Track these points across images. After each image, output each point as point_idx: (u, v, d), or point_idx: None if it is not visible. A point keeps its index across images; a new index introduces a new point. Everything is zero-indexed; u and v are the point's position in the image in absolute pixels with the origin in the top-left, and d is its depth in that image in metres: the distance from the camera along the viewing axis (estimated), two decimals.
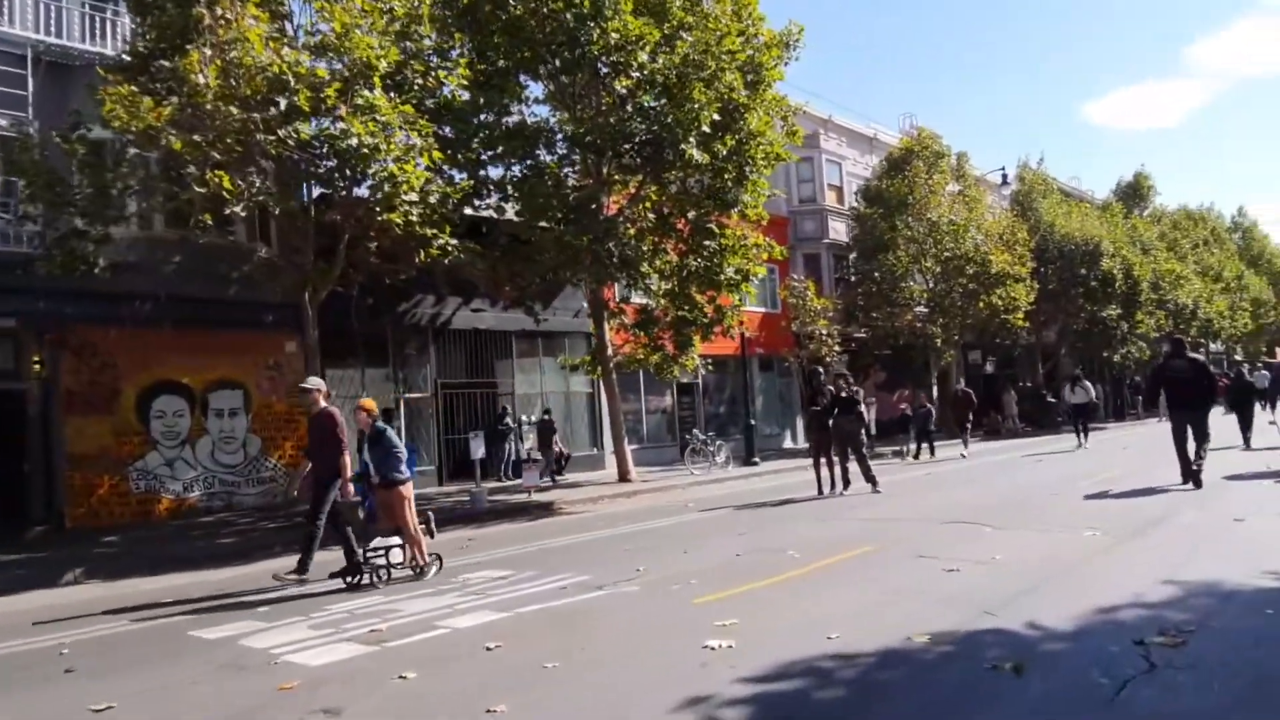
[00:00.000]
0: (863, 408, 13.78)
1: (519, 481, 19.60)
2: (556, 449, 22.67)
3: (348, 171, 12.20)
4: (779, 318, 28.93)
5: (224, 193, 10.91)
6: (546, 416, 22.02)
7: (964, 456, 21.10)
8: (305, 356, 14.77)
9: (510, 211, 16.09)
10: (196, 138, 11.18)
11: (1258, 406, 22.04)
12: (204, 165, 11.19)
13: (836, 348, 25.89)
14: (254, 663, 5.55)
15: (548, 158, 16.87)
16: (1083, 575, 6.59)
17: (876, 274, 29.30)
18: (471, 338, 21.70)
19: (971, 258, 29.52)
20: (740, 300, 19.64)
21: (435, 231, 13.06)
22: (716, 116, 16.11)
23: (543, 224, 16.66)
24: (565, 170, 17.26)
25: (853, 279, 31.17)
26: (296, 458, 17.81)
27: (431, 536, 8.67)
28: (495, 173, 16.71)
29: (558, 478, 21.98)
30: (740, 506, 13.33)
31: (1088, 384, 23.00)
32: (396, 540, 8.43)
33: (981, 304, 30.10)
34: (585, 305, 20.87)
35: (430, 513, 9.11)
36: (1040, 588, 6.20)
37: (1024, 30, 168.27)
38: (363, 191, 13.04)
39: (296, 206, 13.10)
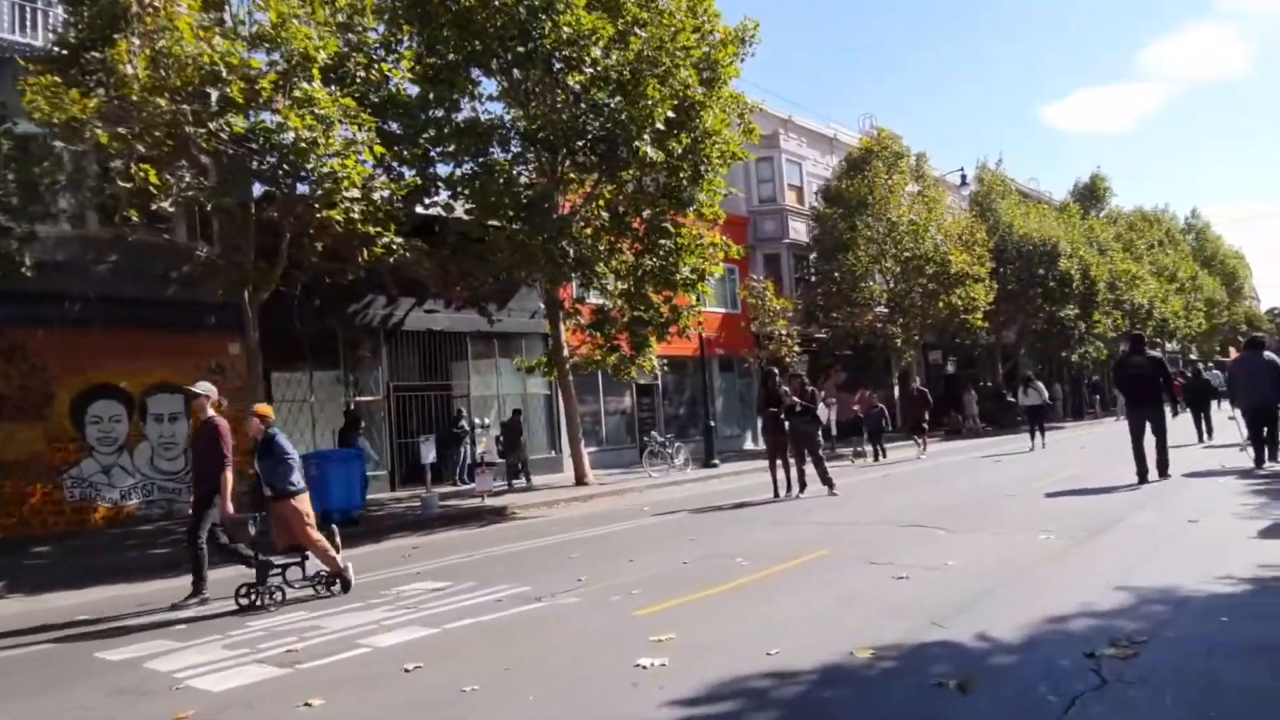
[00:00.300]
0: (820, 409, 13.54)
1: (473, 486, 19.21)
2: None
3: (286, 167, 11.72)
4: (739, 318, 28.75)
5: (150, 187, 10.41)
6: (516, 417, 21.66)
7: (921, 458, 20.94)
8: (247, 359, 14.22)
9: (460, 209, 15.66)
10: (122, 130, 10.65)
11: (1214, 404, 22.34)
12: (129, 159, 10.67)
13: (796, 348, 25.76)
14: (154, 687, 5.15)
15: (501, 155, 16.50)
16: (1035, 581, 6.38)
17: (836, 274, 29.25)
18: (425, 339, 21.23)
19: (931, 258, 29.60)
20: (697, 300, 19.40)
21: (379, 229, 12.63)
22: (671, 113, 15.84)
23: (494, 222, 16.29)
24: (518, 168, 16.88)
25: (813, 279, 31.12)
26: (242, 465, 17.29)
27: (336, 551, 8.10)
28: (445, 170, 16.31)
29: (515, 482, 21.61)
30: (695, 510, 13.05)
31: (1040, 385, 22.84)
32: (295, 558, 7.85)
33: (941, 304, 30.17)
34: (542, 306, 20.50)
35: (334, 526, 8.61)
36: (991, 595, 5.97)
37: (983, 33, 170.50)
38: (304, 188, 12.60)
39: (231, 203, 12.58)
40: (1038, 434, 21.77)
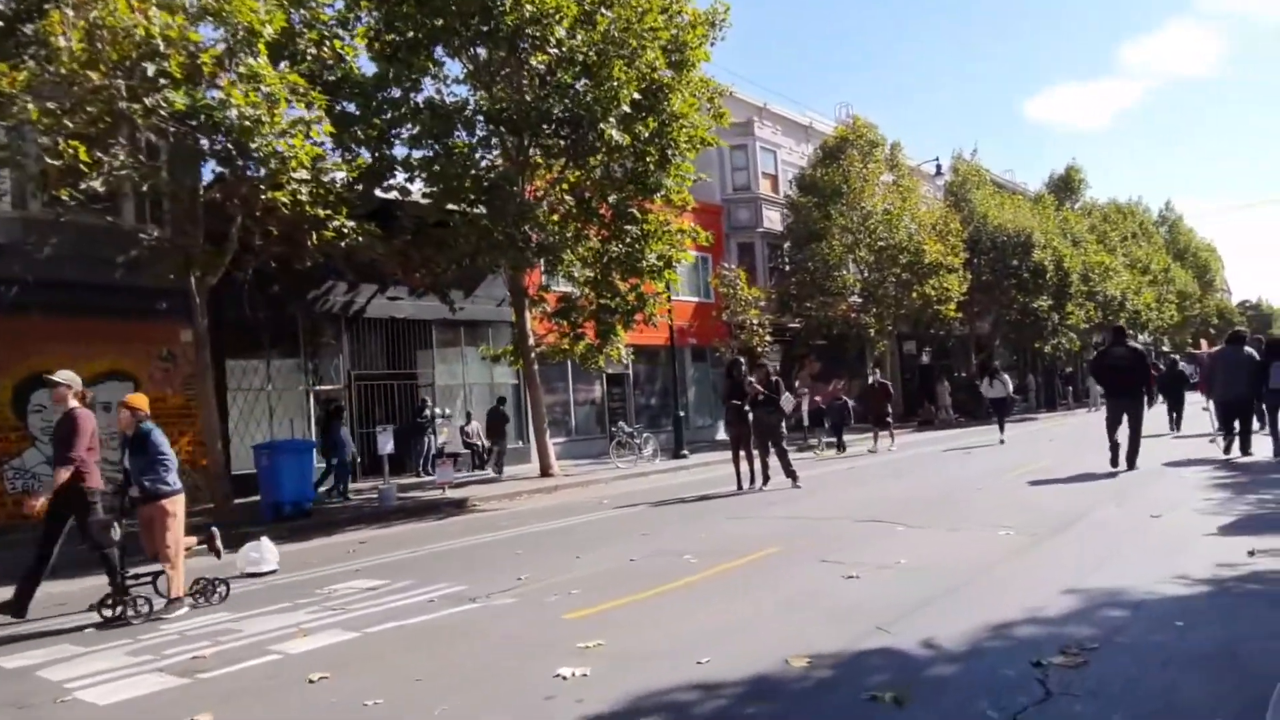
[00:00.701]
0: (784, 399, 13.25)
1: (434, 477, 18.91)
2: (480, 442, 21.92)
3: (231, 147, 11.25)
4: (712, 307, 28.44)
5: (80, 165, 9.92)
6: (500, 405, 21.33)
7: (891, 450, 20.64)
8: (196, 346, 13.74)
9: (418, 193, 15.20)
10: (52, 105, 10.15)
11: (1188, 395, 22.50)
12: (57, 135, 10.17)
13: (768, 338, 25.47)
14: (40, 699, 4.77)
15: (465, 138, 16.04)
16: (988, 582, 6.11)
17: (810, 264, 28.99)
18: (388, 326, 20.75)
19: (905, 247, 29.40)
20: (665, 288, 19.07)
21: (329, 212, 12.18)
22: (637, 96, 15.46)
23: (453, 206, 15.85)
24: (481, 152, 16.44)
25: (787, 268, 30.84)
26: (194, 455, 16.81)
27: (218, 557, 7.46)
28: (404, 153, 15.84)
29: (479, 471, 21.24)
30: (656, 503, 12.75)
31: (1005, 377, 22.13)
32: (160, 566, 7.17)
33: (915, 294, 30.01)
34: (508, 293, 20.08)
35: (215, 529, 8.04)
36: (941, 597, 5.69)
37: (964, 26, 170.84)
38: (253, 169, 12.12)
39: (168, 183, 12.06)
40: (999, 428, 20.93)
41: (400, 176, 14.64)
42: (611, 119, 15.11)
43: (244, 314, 17.84)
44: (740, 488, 13.20)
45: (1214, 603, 5.23)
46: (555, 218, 17.22)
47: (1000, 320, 38.39)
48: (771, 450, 13.18)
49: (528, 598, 6.40)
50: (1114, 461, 12.07)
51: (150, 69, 10.28)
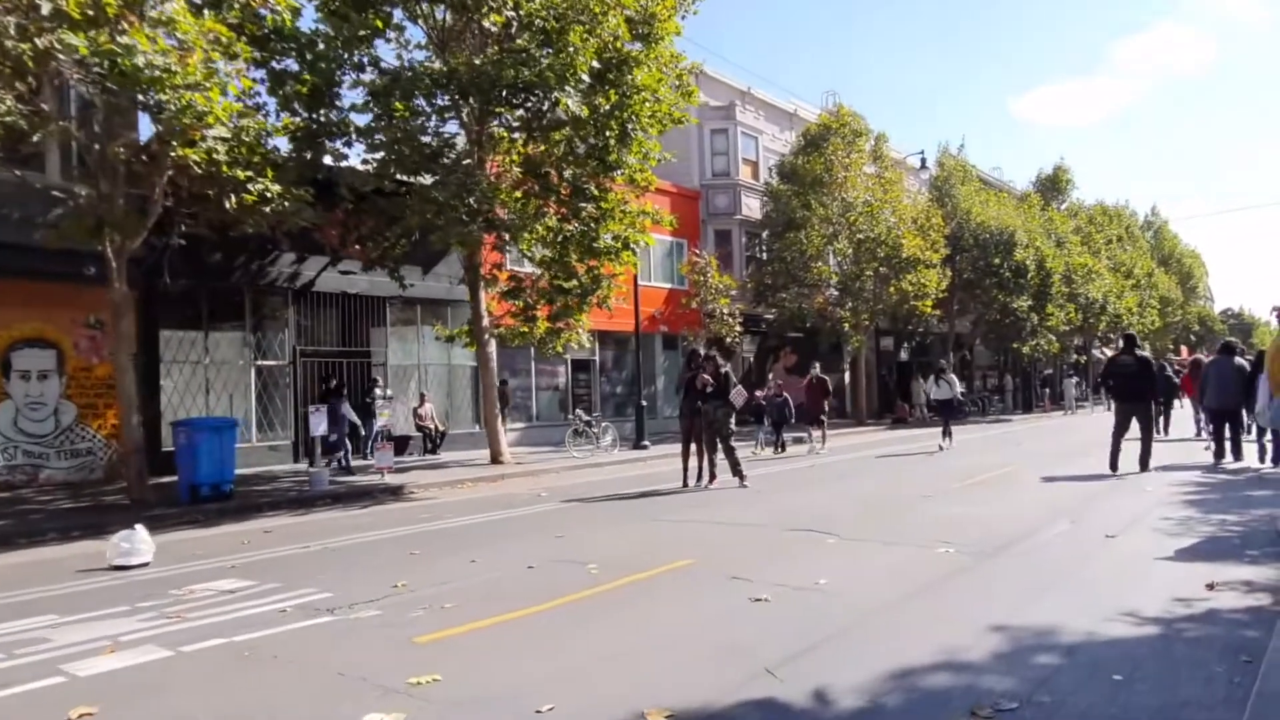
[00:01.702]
0: (734, 393, 12.46)
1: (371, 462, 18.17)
2: (433, 425, 21.13)
3: (139, 98, 10.34)
4: (684, 294, 27.64)
5: None
6: (503, 385, 20.69)
7: (820, 451, 19.43)
8: (113, 315, 12.85)
9: (356, 159, 14.30)
10: None
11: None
12: None
13: (738, 327, 24.68)
14: None
15: (418, 102, 15.12)
16: (907, 613, 5.37)
17: (786, 254, 28.22)
18: (340, 301, 19.85)
19: (884, 240, 28.66)
20: (622, 270, 18.25)
21: (250, 174, 11.29)
22: (597, 65, 14.60)
23: (402, 177, 14.98)
24: (434, 121, 15.53)
25: (763, 257, 30.05)
26: (119, 428, 15.95)
27: None
28: (357, 118, 14.88)
29: (430, 456, 20.47)
30: (593, 499, 12.00)
31: (953, 378, 20.61)
32: None
33: (892, 289, 29.32)
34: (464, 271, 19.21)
35: None
36: (851, 631, 4.96)
37: (958, 20, 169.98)
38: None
39: (70, 136, 11.15)
40: (945, 433, 19.56)
41: (337, 141, 13.66)
42: (569, 88, 14.26)
43: (181, 282, 16.96)
44: (686, 484, 12.46)
45: (1161, 651, 4.50)
46: (518, 195, 16.38)
47: (980, 319, 37.80)
48: (719, 447, 12.42)
49: (391, 611, 5.62)
50: (1114, 465, 12.41)
51: (45, 6, 9.35)
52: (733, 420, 12.43)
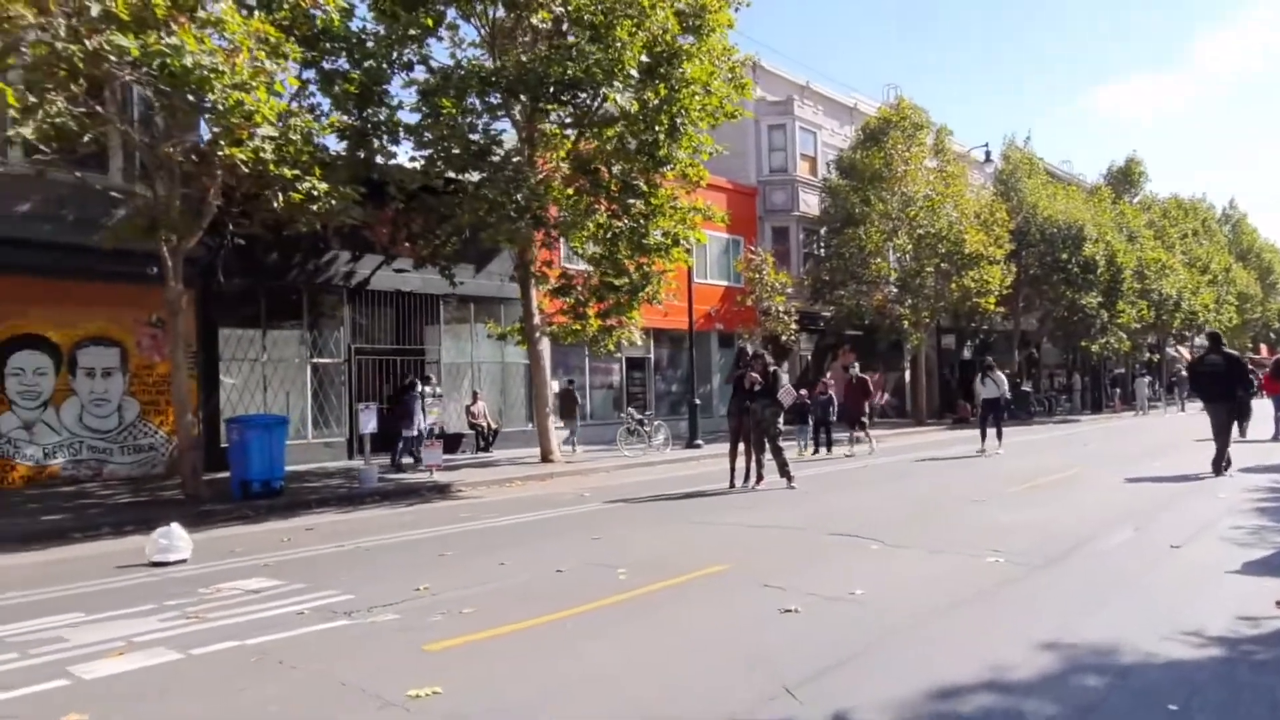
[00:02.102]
0: (783, 392, 12.15)
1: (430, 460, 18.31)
2: (485, 423, 21.19)
3: (190, 98, 10.47)
4: (741, 292, 27.27)
5: (10, 110, 9.22)
6: (569, 385, 20.68)
7: (866, 451, 18.74)
8: (168, 314, 13.10)
9: (404, 156, 14.32)
10: None
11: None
12: None
13: (793, 325, 24.24)
14: None
15: (470, 100, 15.12)
16: (948, 627, 5.05)
17: (844, 250, 27.64)
18: (394, 300, 20.03)
19: (945, 236, 27.88)
20: (681, 266, 18.01)
21: (297, 172, 11.37)
22: (645, 59, 14.40)
23: (452, 175, 14.99)
24: (485, 119, 15.52)
25: (821, 254, 29.49)
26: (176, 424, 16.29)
27: None
28: (406, 117, 14.94)
29: (483, 454, 20.52)
30: (637, 499, 11.82)
31: (1000, 375, 19.18)
32: None
33: (954, 285, 28.52)
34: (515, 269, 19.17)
35: None
36: (884, 645, 4.68)
37: (1027, 11, 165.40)
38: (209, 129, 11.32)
39: (116, 134, 11.34)
40: (993, 434, 18.47)
41: (384, 138, 13.69)
42: (617, 83, 14.10)
43: (237, 281, 17.28)
44: (733, 485, 12.20)
45: (1224, 676, 4.14)
46: (569, 192, 16.27)
47: (1047, 316, 36.58)
48: (767, 447, 12.13)
49: (409, 615, 5.51)
50: (1218, 464, 12.36)
51: (95, 8, 9.51)
52: (781, 420, 12.12)
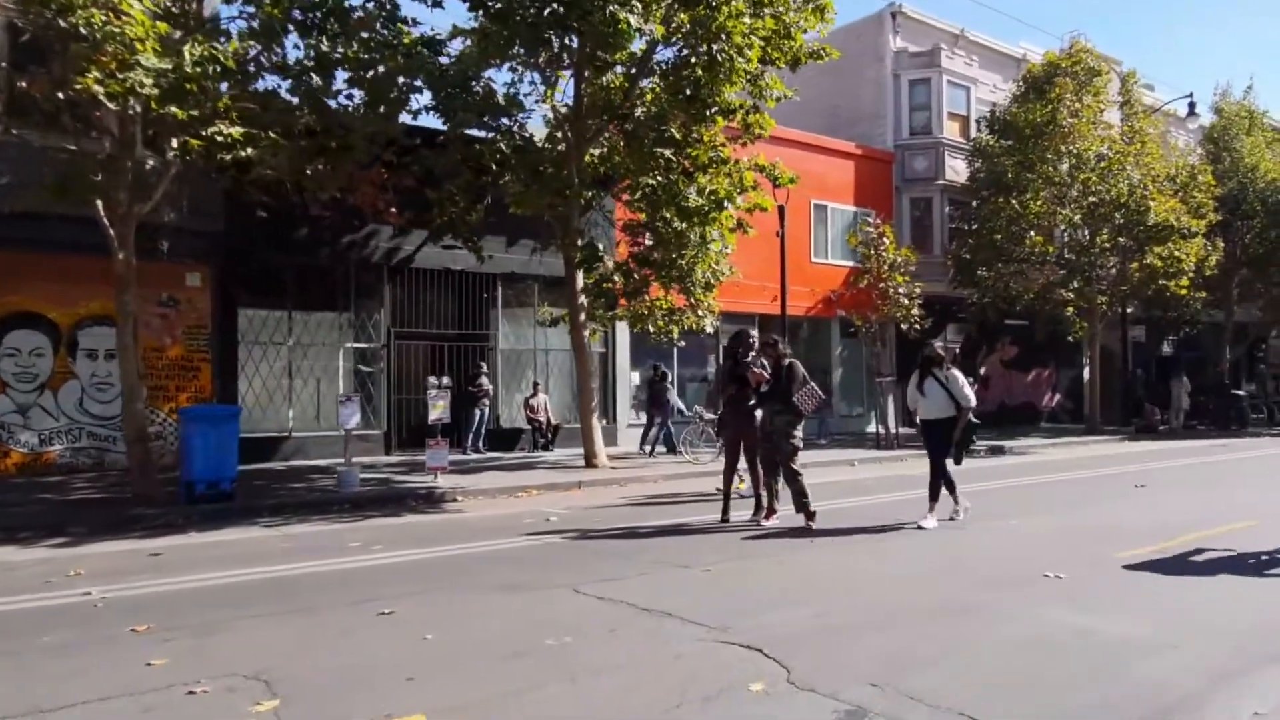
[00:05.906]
0: (804, 393, 8.83)
1: (489, 455, 16.66)
2: (545, 418, 18.88)
3: (61, 24, 8.66)
4: (859, 271, 23.44)
5: None
6: (657, 374, 18.55)
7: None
8: (117, 288, 11.56)
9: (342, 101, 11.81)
10: None
11: None
12: None
13: (915, 311, 20.26)
14: None
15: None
16: None
17: (992, 223, 23.15)
18: (443, 279, 18.07)
19: (1124, 203, 22.74)
20: (740, 235, 14.88)
21: (193, 113, 9.34)
22: None
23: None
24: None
25: (968, 228, 24.98)
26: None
27: None
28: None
29: (542, 453, 18.24)
30: (596, 533, 8.99)
31: (958, 375, 12.47)
32: None
33: (1135, 265, 23.35)
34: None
35: None
36: None
37: None
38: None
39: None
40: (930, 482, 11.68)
41: (340, 79, 11.39)
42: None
43: (264, 258, 15.85)
44: (725, 519, 9.08)
45: None
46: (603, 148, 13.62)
47: (1272, 305, 29.98)
48: (779, 469, 8.88)
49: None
50: None
51: None
52: (798, 432, 8.81)
